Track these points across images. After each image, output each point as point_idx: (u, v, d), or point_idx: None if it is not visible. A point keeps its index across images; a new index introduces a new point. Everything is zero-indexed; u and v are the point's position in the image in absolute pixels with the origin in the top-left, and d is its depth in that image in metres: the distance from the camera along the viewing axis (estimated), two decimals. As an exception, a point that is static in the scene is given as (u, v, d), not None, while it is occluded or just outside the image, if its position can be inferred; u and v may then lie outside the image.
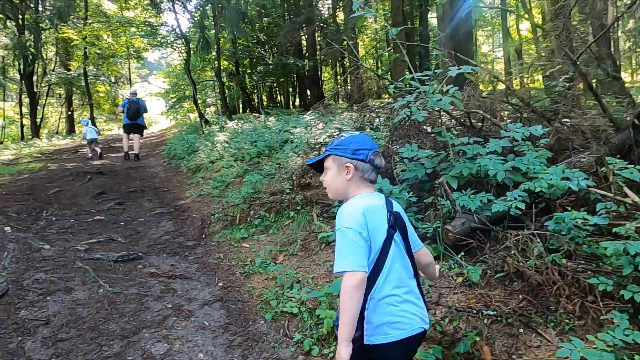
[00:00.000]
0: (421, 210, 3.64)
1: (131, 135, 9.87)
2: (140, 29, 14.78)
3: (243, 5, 9.17)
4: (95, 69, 24.11)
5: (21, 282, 3.32)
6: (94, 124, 24.22)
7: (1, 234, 4.30)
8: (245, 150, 7.96)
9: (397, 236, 1.48)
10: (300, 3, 20.38)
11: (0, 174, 8.33)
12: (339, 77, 31.35)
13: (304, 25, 16.02)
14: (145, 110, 10.04)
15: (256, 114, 14.55)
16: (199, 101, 20.73)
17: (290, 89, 26.32)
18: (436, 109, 4.08)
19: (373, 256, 1.40)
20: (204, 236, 4.58)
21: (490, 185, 3.48)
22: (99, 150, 10.73)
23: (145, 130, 10.43)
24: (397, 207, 1.55)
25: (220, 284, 3.39)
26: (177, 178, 7.90)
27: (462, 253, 3.02)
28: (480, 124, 4.14)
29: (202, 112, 16.81)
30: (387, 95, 9.30)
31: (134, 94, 10.03)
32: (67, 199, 6.17)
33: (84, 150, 11.30)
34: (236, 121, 12.19)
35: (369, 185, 1.51)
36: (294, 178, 5.46)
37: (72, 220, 4.97)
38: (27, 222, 4.79)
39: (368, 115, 5.08)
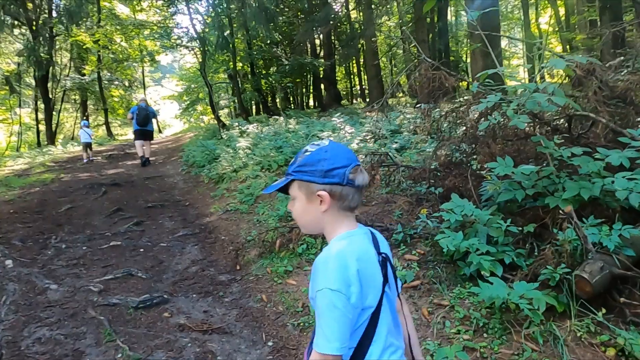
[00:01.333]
0: (519, 242, 2.82)
1: (145, 142, 9.88)
2: (153, 31, 14.10)
3: (267, 0, 8.40)
4: (109, 74, 23.60)
5: (19, 343, 2.57)
6: (108, 129, 23.79)
7: (1, 269, 3.57)
8: (272, 157, 7.18)
9: (387, 288, 1.10)
10: (314, 1, 19.61)
11: (11, 187, 7.68)
12: (354, 76, 30.51)
13: (320, 24, 15.21)
14: (155, 116, 10.29)
15: (275, 117, 13.78)
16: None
17: (304, 90, 25.56)
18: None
19: (363, 321, 1.04)
20: (238, 267, 3.80)
21: (613, 211, 2.65)
22: (86, 155, 10.95)
23: (155, 135, 10.72)
24: (384, 245, 1.17)
25: (270, 344, 2.60)
26: (199, 189, 7.15)
27: (603, 310, 2.20)
28: (580, 130, 3.29)
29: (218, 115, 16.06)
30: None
31: (144, 100, 10.12)
32: (80, 217, 5.44)
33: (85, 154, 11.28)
34: (255, 124, 11.43)
35: (350, 215, 1.12)
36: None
37: (84, 248, 4.23)
38: (33, 252, 4.06)
39: (435, 118, 4.22)
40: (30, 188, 7.48)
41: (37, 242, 4.31)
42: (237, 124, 12.00)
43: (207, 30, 9.97)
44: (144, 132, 9.74)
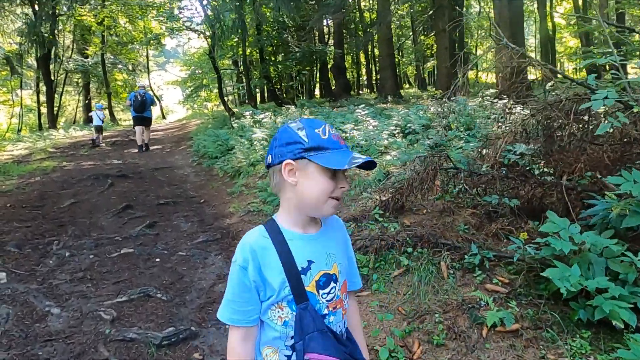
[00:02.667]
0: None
1: (143, 127, 9.86)
2: (160, 11, 13.29)
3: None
4: (112, 57, 22.72)
5: (10, 400, 1.94)
6: (112, 114, 22.98)
7: (-8, 285, 2.93)
8: (293, 151, 6.51)
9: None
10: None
11: (9, 175, 7.01)
12: (361, 66, 29.64)
13: (334, 11, 14.38)
14: (153, 103, 10.07)
15: (287, 106, 13.06)
16: (216, 90, 19.14)
17: (311, 78, 24.75)
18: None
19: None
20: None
21: None
22: (95, 137, 10.89)
23: (158, 121, 10.90)
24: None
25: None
26: (213, 184, 6.48)
27: None
28: None
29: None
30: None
31: (142, 87, 10.04)
32: (85, 215, 4.79)
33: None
34: (269, 113, 10.72)
35: None
36: (385, 197, 4.01)
37: (91, 256, 3.58)
38: (31, 261, 3.41)
39: (524, 116, 3.55)
40: (30, 177, 6.81)
41: (37, 249, 3.66)
42: (248, 112, 11.29)
43: (220, 11, 9.16)
44: (142, 119, 9.68)
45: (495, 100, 8.65)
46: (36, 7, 16.87)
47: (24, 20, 17.01)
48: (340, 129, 7.50)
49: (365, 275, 3.06)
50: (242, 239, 1.03)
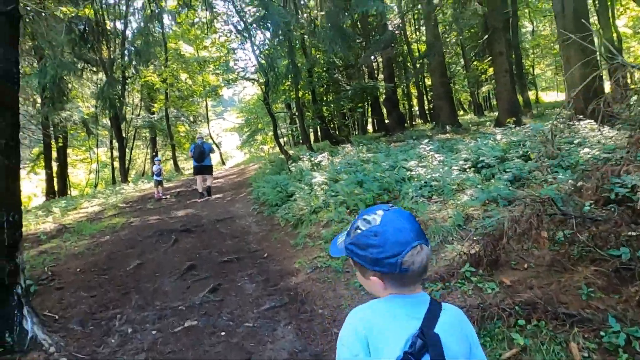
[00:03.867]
0: None
1: (204, 176, 10.18)
2: (216, 65, 13.84)
3: (341, 18, 7.50)
4: (175, 110, 24.11)
5: None
6: (175, 164, 24.13)
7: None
8: (356, 195, 6.08)
9: None
10: (372, 25, 18.77)
11: (82, 235, 7.18)
12: (412, 97, 29.14)
13: (384, 47, 14.20)
14: (211, 151, 10.37)
15: (342, 145, 12.81)
16: (271, 133, 19.43)
17: (362, 114, 24.59)
18: None
19: None
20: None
21: None
22: (157, 192, 11.10)
23: (217, 167, 11.37)
24: (445, 326, 0.96)
25: None
26: (275, 235, 6.17)
27: None
28: None
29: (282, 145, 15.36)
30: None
31: (201, 137, 10.40)
32: (149, 278, 4.60)
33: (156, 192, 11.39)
34: (325, 154, 10.47)
35: (409, 285, 0.99)
36: (474, 249, 3.42)
37: (154, 332, 3.29)
38: (93, 341, 3.17)
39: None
40: (100, 236, 6.90)
41: (99, 325, 3.44)
42: (304, 155, 11.13)
43: (273, 58, 9.24)
44: (202, 168, 9.99)
45: (572, 123, 7.77)
46: (108, 73, 18.44)
47: (97, 85, 18.59)
48: (404, 167, 6.99)
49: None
50: None
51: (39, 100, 15.80)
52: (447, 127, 14.11)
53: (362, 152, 10.16)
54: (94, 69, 11.39)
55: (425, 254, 0.96)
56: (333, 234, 5.22)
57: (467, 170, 6.42)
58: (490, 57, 14.94)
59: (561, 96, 32.90)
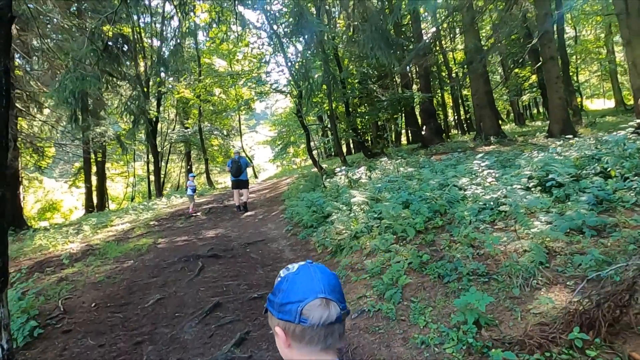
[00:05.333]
0: None
1: (240, 191, 10.26)
2: (248, 78, 13.40)
3: (383, 20, 6.77)
4: (209, 125, 24.03)
5: None
6: (208, 178, 23.95)
7: None
8: (403, 219, 5.22)
9: None
10: (406, 34, 17.95)
11: (106, 258, 6.67)
12: (448, 107, 27.91)
13: (422, 57, 13.31)
14: (247, 166, 10.52)
15: (380, 158, 11.96)
16: (303, 145, 18.77)
17: (396, 126, 23.62)
18: None
19: None
20: None
21: None
22: (191, 207, 11.00)
23: (251, 181, 11.11)
24: None
25: None
26: (312, 263, 5.38)
27: None
28: None
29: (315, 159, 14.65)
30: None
31: (237, 153, 10.56)
32: (168, 321, 3.91)
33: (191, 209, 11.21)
34: (362, 169, 9.66)
35: (329, 351, 0.89)
36: (580, 305, 2.50)
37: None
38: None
39: None
40: (124, 261, 6.35)
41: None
42: (339, 169, 10.36)
43: (306, 68, 8.58)
44: (238, 182, 10.15)
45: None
46: (145, 90, 18.48)
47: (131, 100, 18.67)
48: (455, 186, 6.08)
49: None
50: None
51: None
52: (491, 138, 12.99)
53: (403, 166, 9.29)
54: (121, 84, 11.12)
55: (333, 313, 0.88)
56: (380, 266, 4.39)
57: (533, 189, 5.44)
58: (537, 64, 13.74)
59: (608, 103, 30.70)
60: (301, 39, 8.90)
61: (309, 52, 8.42)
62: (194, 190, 11.37)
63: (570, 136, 9.57)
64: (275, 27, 10.50)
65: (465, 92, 23.77)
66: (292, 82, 10.73)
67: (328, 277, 0.94)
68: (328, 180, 10.08)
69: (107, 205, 21.42)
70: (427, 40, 13.74)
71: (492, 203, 5.12)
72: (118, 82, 9.97)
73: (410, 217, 5.23)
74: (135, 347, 3.38)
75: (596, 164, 5.48)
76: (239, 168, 9.91)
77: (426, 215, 5.21)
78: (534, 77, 18.83)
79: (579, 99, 25.78)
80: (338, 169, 10.36)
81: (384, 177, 8.22)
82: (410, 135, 23.51)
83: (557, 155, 6.37)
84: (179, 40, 11.57)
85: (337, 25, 15.38)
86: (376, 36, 6.36)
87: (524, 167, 6.16)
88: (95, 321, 3.98)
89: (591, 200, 4.62)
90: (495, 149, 11.31)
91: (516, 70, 19.54)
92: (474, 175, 6.61)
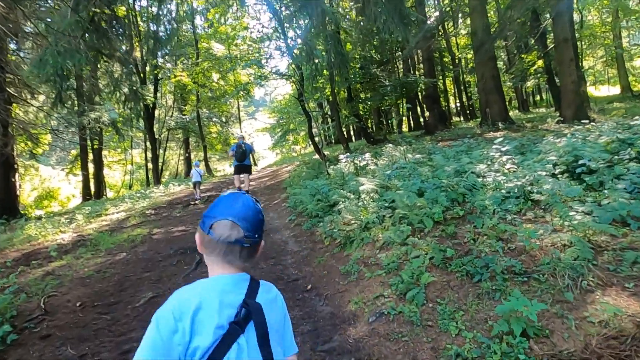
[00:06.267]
0: None
1: (242, 176, 9.98)
2: (247, 61, 12.79)
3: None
4: (207, 111, 23.37)
5: None
6: (207, 165, 23.37)
7: None
8: (419, 208, 4.73)
9: (244, 337, 0.98)
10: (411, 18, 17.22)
11: (97, 250, 6.19)
12: (449, 94, 27.27)
13: (426, 41, 12.68)
14: (252, 151, 10.37)
15: (383, 144, 11.43)
16: (303, 132, 18.12)
17: (398, 112, 23.01)
18: None
19: None
20: None
21: None
22: (197, 195, 10.82)
23: (252, 169, 10.58)
24: (264, 297, 1.07)
25: None
26: (319, 257, 4.91)
27: None
28: None
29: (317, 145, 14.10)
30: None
31: (242, 138, 10.25)
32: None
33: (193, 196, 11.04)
34: (367, 155, 9.15)
35: (227, 267, 1.08)
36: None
37: None
38: None
39: None
40: (117, 253, 5.88)
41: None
42: (342, 155, 9.85)
43: (311, 47, 7.98)
44: (242, 167, 9.96)
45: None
46: (141, 75, 17.83)
47: (130, 86, 18.03)
48: (473, 172, 5.58)
49: None
50: None
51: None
52: (499, 124, 12.46)
53: (410, 152, 8.78)
54: (114, 65, 10.48)
55: (234, 235, 1.03)
56: (397, 261, 3.92)
57: (560, 176, 4.94)
58: (545, 48, 13.14)
59: (612, 90, 30.05)
60: (306, 17, 8.27)
61: (314, 30, 7.80)
62: (200, 176, 11.32)
63: (586, 121, 9.06)
64: (276, 6, 9.86)
65: (468, 78, 23.12)
66: (292, 66, 10.14)
67: (247, 209, 1.06)
68: (331, 167, 9.57)
69: (104, 193, 20.89)
70: (432, 22, 13.10)
71: (516, 191, 4.63)
72: (109, 62, 9.32)
73: (427, 206, 4.74)
74: (121, 357, 2.91)
75: (629, 149, 4.98)
76: (244, 153, 9.66)
77: (444, 204, 4.72)
78: (539, 62, 18.18)
79: (585, 85, 25.16)
80: (342, 156, 9.85)
81: (392, 164, 7.72)
82: (412, 122, 22.93)
83: (582, 140, 5.86)
84: (175, 25, 10.91)
85: (339, 5, 14.70)
86: (390, 8, 5.76)
87: (547, 152, 5.65)
88: (79, 324, 3.50)
89: (629, 188, 4.14)
90: (505, 134, 10.79)
91: (522, 55, 18.88)
92: (490, 162, 6.11)
